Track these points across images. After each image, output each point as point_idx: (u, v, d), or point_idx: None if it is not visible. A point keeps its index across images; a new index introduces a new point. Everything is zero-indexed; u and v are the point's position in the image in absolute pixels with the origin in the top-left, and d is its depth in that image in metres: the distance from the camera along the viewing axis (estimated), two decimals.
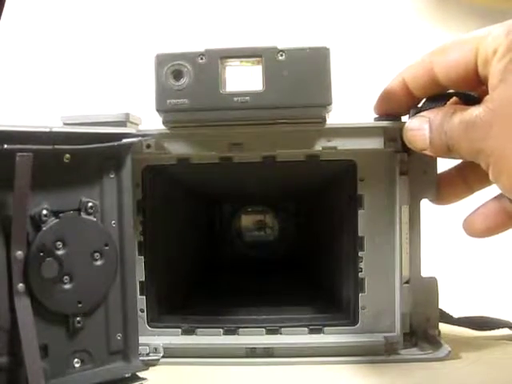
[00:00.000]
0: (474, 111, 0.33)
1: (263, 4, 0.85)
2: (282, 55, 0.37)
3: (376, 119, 0.41)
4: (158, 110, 0.38)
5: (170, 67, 0.38)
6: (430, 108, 0.37)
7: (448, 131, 0.34)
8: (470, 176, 0.40)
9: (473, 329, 0.41)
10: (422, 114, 0.37)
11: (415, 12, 0.84)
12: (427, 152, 0.36)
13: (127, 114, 0.40)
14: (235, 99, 0.38)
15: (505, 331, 0.42)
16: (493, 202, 0.37)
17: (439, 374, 0.37)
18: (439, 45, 0.37)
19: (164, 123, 0.39)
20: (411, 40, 0.83)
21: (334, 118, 0.40)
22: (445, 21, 0.81)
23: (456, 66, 0.35)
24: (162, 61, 0.38)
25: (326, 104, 0.38)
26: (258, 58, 0.38)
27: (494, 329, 0.42)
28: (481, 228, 0.37)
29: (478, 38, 0.34)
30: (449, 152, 0.35)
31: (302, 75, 0.37)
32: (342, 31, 0.83)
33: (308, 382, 0.37)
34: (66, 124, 0.40)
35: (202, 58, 0.38)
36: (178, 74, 0.38)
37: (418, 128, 0.36)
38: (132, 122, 0.40)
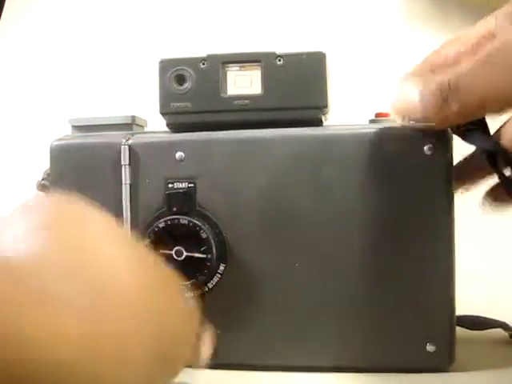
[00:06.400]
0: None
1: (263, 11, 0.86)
2: (280, 60, 0.39)
3: (371, 121, 0.42)
4: (161, 113, 0.40)
5: (174, 72, 0.39)
6: None
7: (454, 73, 0.32)
8: (469, 167, 0.40)
9: (466, 328, 0.42)
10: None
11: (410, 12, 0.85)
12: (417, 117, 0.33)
13: (133, 117, 0.42)
14: (235, 102, 0.39)
15: (498, 331, 0.43)
16: None
17: (437, 374, 0.37)
18: None
19: (168, 125, 0.41)
20: (407, 41, 0.84)
21: (333, 120, 0.42)
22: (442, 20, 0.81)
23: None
24: (165, 66, 0.40)
25: (322, 106, 0.39)
26: (257, 63, 0.39)
27: (487, 328, 0.43)
28: None
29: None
30: (447, 102, 0.31)
31: (298, 79, 0.39)
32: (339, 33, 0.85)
33: None
34: (74, 126, 0.42)
35: (203, 64, 0.39)
36: (180, 79, 0.39)
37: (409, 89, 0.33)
38: (138, 125, 0.42)
